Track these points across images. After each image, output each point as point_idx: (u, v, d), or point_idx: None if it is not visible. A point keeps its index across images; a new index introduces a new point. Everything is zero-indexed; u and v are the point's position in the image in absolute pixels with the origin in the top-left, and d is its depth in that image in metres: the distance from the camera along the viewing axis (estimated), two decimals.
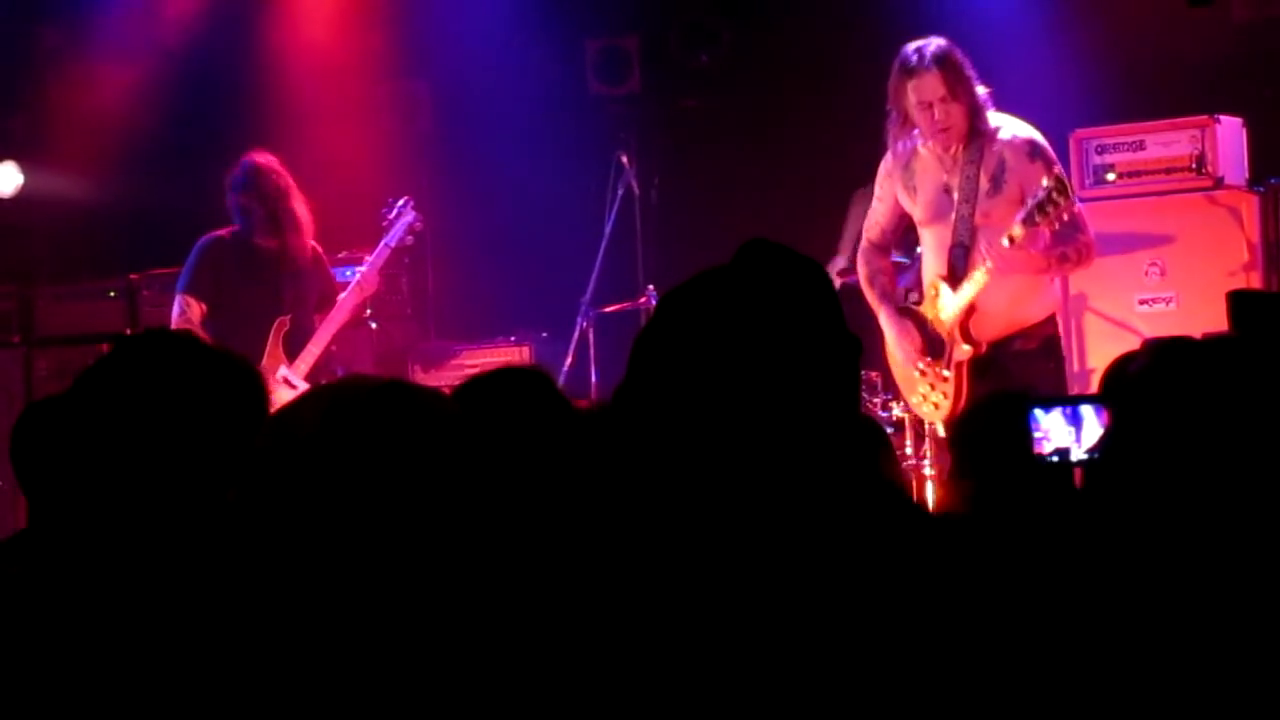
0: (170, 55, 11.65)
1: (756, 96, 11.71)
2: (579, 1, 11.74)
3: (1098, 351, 9.16)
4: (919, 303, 7.92)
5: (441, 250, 10.29)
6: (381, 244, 9.46)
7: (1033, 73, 10.29)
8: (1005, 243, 7.39)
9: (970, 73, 7.66)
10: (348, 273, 10.18)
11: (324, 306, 9.31)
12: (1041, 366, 7.59)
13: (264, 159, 9.21)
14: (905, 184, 7.88)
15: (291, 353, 9.10)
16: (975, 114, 7.64)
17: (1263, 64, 9.80)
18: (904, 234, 8.17)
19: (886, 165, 8.00)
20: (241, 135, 10.04)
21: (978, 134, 7.62)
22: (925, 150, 7.79)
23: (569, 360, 10.15)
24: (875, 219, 8.10)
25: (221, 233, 9.21)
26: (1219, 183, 9.15)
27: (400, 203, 9.56)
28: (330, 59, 11.95)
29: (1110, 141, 9.51)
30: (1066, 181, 7.47)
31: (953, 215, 7.65)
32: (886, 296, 7.99)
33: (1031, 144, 7.62)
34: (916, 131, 7.78)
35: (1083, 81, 10.04)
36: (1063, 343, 9.06)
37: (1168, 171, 9.32)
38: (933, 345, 7.79)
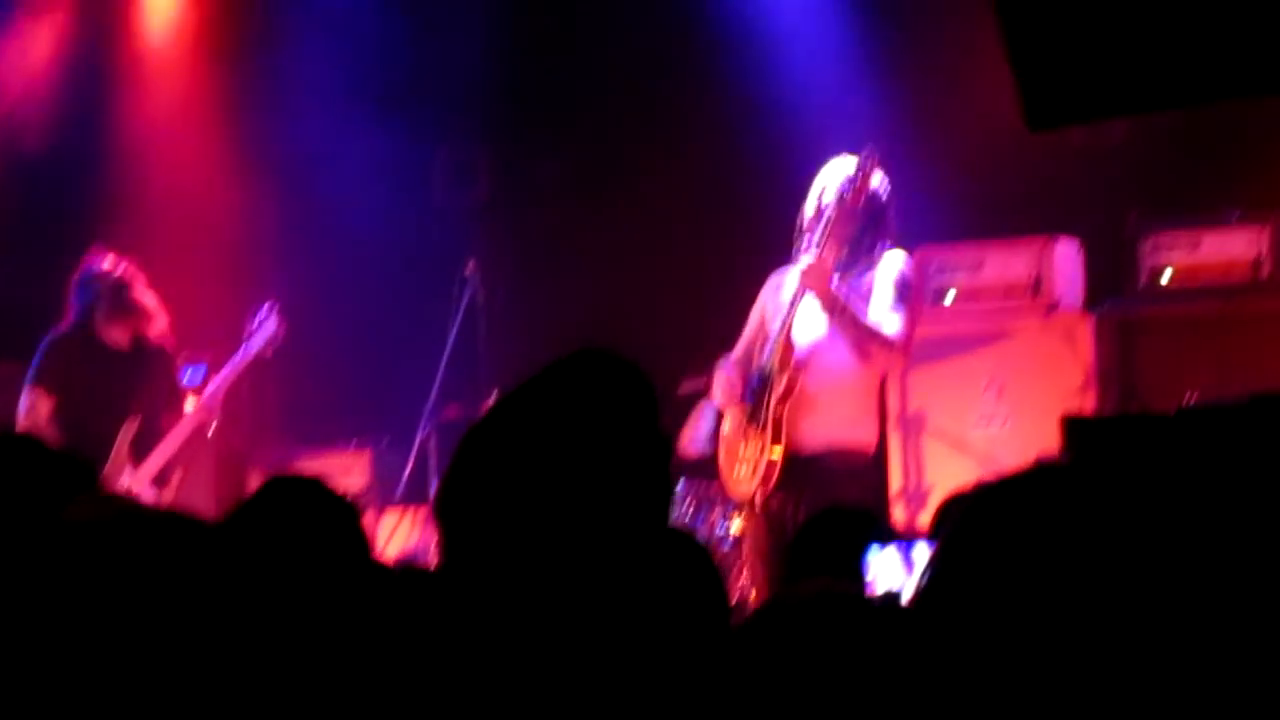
0: (18, 149, 11.55)
1: (603, 208, 11.76)
2: (427, 110, 11.76)
3: (935, 470, 9.24)
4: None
5: (284, 354, 10.21)
6: (240, 351, 9.41)
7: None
8: (814, 250, 7.60)
9: (890, 206, 7.85)
10: (188, 374, 10.10)
11: (170, 407, 9.24)
12: (850, 488, 7.55)
13: (110, 256, 9.17)
14: (773, 299, 7.96)
15: (139, 454, 9.03)
16: (870, 230, 7.79)
17: (1100, 188, 9.96)
18: None
19: (769, 284, 8.07)
20: (90, 231, 9.99)
21: (863, 249, 7.76)
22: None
23: (409, 467, 10.13)
24: (744, 335, 8.11)
25: (69, 328, 9.14)
26: (1055, 305, 9.27)
27: (264, 310, 9.51)
28: (180, 158, 11.89)
29: (950, 260, 9.62)
30: (876, 161, 7.64)
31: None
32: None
33: (902, 260, 7.80)
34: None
35: (924, 201, 10.15)
36: (896, 465, 9.19)
37: (1006, 292, 9.42)
38: (758, 394, 7.81)
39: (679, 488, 9.10)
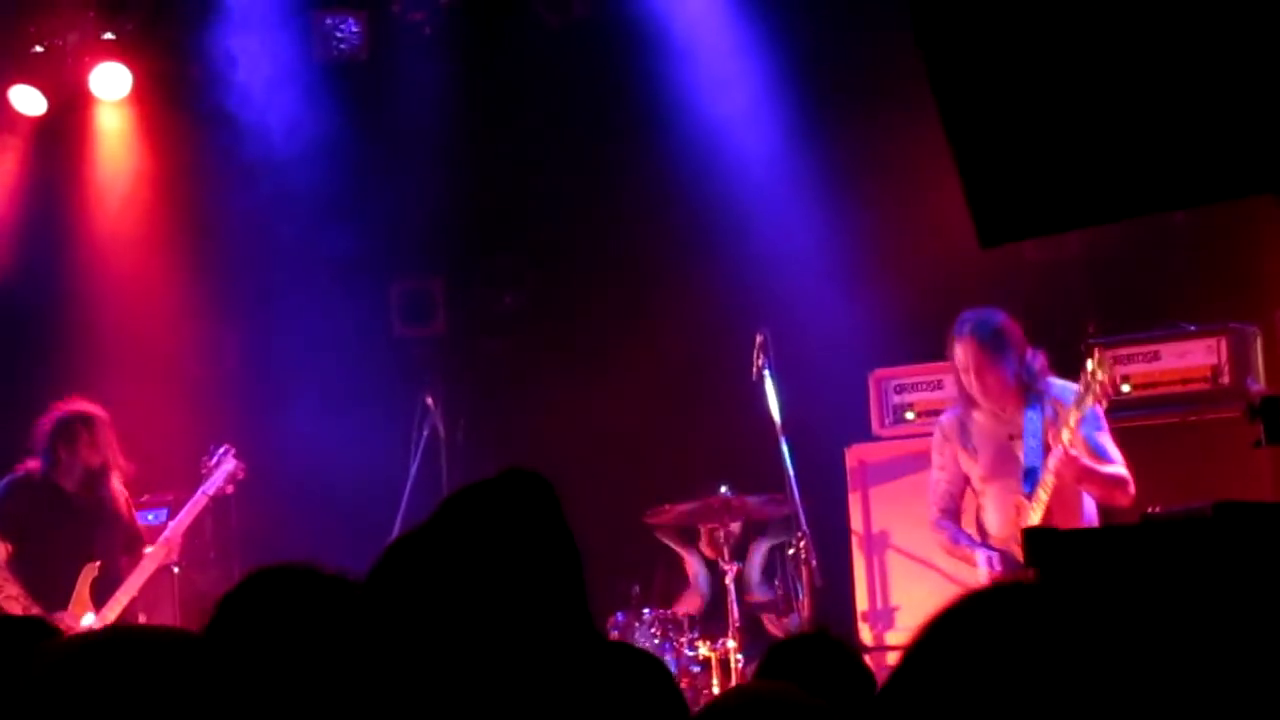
0: None
1: (559, 337, 11.78)
2: (383, 244, 11.78)
3: (899, 589, 9.22)
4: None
5: (247, 493, 10.16)
6: (199, 491, 9.41)
7: (834, 314, 10.45)
8: (1066, 436, 7.80)
9: (1013, 344, 8.14)
10: (150, 516, 10.05)
11: (130, 550, 9.19)
12: None
13: (82, 408, 9.17)
14: (964, 446, 8.30)
15: (99, 599, 8.96)
16: (1025, 378, 8.13)
17: (1054, 303, 9.99)
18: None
19: (943, 430, 8.45)
20: (47, 377, 9.98)
21: (1032, 391, 8.09)
22: (980, 414, 8.22)
23: None
24: (941, 488, 8.46)
25: (30, 471, 9.10)
26: None
27: (221, 450, 9.53)
28: (139, 303, 11.88)
29: (909, 381, 9.66)
30: (1106, 361, 7.85)
31: (1017, 466, 8.05)
32: (973, 542, 8.30)
33: (1077, 392, 7.97)
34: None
35: (881, 322, 10.18)
36: (862, 585, 9.20)
37: None
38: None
39: (646, 615, 9.08)
